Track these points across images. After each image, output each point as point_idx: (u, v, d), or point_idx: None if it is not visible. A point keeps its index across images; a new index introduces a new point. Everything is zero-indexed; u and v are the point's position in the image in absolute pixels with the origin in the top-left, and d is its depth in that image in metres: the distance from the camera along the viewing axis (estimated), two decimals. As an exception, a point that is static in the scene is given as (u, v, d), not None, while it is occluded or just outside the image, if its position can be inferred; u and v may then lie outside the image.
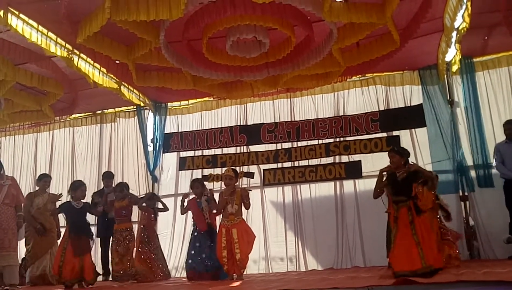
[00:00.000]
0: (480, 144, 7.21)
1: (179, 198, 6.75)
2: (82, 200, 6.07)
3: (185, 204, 6.59)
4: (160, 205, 7.18)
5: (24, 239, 7.06)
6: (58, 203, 6.47)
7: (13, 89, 7.45)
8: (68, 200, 6.10)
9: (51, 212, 6.63)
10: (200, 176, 8.26)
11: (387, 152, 5.30)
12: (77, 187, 6.10)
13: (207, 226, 6.35)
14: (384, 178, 5.02)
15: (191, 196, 6.66)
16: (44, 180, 7.27)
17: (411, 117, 7.82)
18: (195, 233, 6.39)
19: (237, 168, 7.77)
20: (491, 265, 5.03)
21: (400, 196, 4.76)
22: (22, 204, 6.55)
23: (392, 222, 4.76)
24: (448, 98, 7.71)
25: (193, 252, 6.28)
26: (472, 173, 7.27)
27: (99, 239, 7.52)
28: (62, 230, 6.25)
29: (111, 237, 7.03)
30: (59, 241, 6.30)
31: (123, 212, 6.75)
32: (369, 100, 8.17)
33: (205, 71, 6.85)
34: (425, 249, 4.45)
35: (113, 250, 6.80)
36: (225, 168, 7.01)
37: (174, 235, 8.36)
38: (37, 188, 7.40)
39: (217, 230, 6.21)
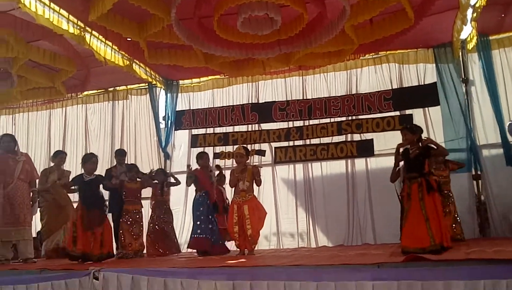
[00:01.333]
0: (496, 123, 7.11)
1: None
2: (94, 173, 6.05)
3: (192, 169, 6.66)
4: (172, 180, 7.31)
5: (39, 214, 7.19)
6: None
7: (25, 66, 7.50)
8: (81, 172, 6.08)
9: (63, 185, 6.63)
10: (211, 154, 8.33)
11: (399, 131, 5.28)
12: (87, 159, 6.05)
13: (216, 198, 6.52)
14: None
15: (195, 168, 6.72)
16: (60, 156, 7.36)
17: (425, 95, 7.74)
18: (204, 204, 6.48)
19: (249, 146, 7.78)
20: (502, 244, 5.02)
21: (412, 172, 4.77)
22: (36, 180, 6.68)
23: (405, 199, 4.78)
24: (463, 76, 7.61)
25: (198, 222, 6.39)
26: (485, 152, 7.22)
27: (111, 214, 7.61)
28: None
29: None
30: None
31: (134, 194, 6.77)
32: (382, 78, 8.10)
33: (216, 49, 6.81)
34: (434, 227, 4.46)
35: (125, 230, 6.61)
36: (236, 146, 7.05)
37: (186, 211, 8.44)
38: (52, 164, 7.49)
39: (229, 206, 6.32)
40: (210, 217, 6.46)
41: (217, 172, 6.63)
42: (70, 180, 6.34)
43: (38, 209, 7.14)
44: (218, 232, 6.48)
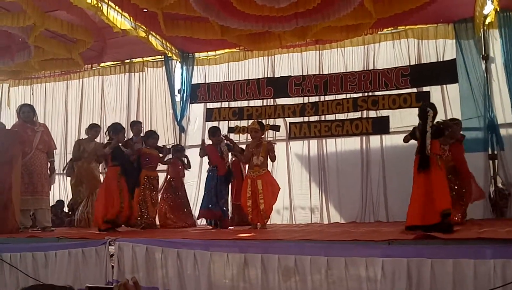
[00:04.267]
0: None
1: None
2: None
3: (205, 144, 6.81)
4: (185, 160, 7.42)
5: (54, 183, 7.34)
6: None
7: (43, 36, 7.52)
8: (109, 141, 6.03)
9: (103, 156, 6.26)
10: (226, 128, 8.34)
11: (416, 108, 5.20)
12: (120, 129, 6.07)
13: (227, 169, 6.63)
14: None
15: (209, 142, 6.84)
16: (95, 129, 7.45)
17: (443, 72, 7.60)
18: (213, 178, 6.59)
19: (263, 121, 7.77)
20: (516, 225, 5.00)
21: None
22: (54, 151, 6.80)
23: None
24: (483, 53, 7.44)
25: (208, 196, 6.52)
26: (503, 132, 7.11)
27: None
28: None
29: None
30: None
31: (156, 160, 6.83)
32: (400, 54, 7.95)
33: (232, 21, 6.74)
34: (409, 208, 4.57)
35: (147, 196, 6.59)
36: (251, 121, 7.05)
37: (201, 184, 8.51)
38: (85, 136, 7.54)
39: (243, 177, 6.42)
40: (219, 190, 6.53)
41: (224, 143, 6.69)
42: (109, 152, 5.95)
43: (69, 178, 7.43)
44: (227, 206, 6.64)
